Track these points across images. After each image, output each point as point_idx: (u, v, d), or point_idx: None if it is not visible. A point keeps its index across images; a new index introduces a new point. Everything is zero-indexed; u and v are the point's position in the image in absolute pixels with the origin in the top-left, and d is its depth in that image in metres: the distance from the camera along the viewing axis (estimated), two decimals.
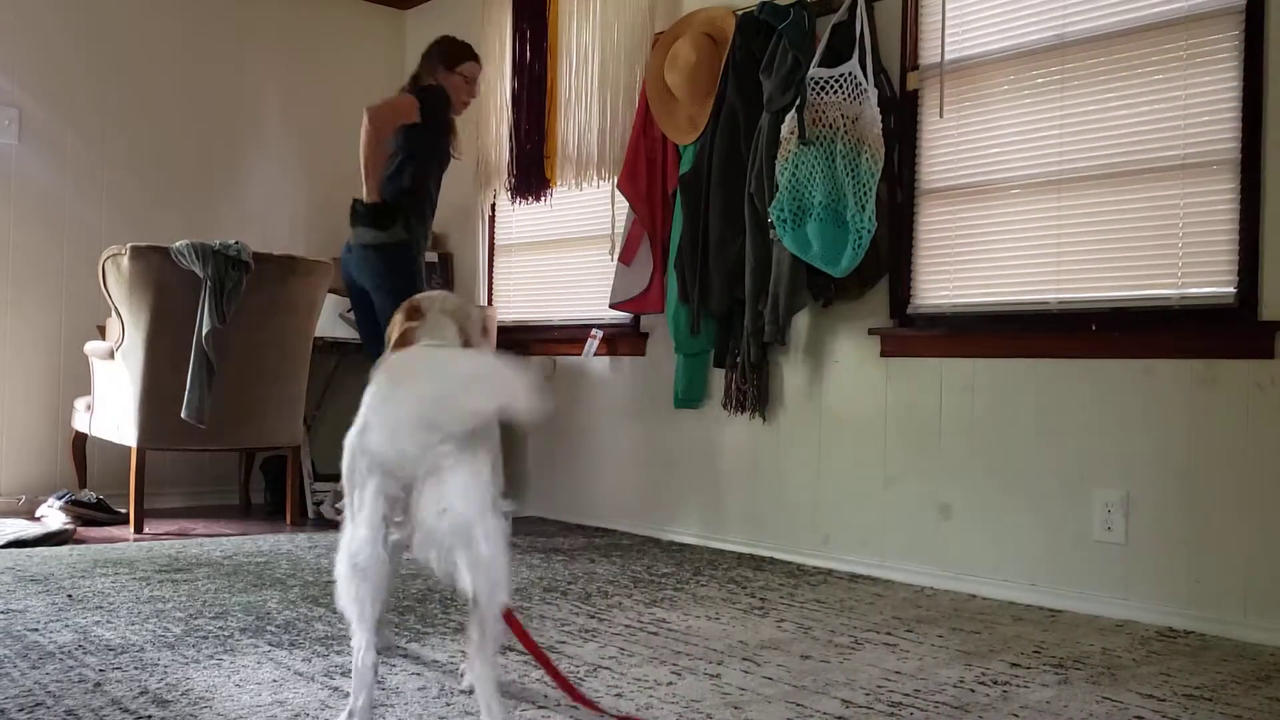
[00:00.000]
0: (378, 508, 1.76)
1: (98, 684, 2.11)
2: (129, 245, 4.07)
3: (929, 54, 3.61)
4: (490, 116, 5.14)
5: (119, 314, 4.14)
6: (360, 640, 1.80)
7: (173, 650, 2.38)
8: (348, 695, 2.05)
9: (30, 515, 4.43)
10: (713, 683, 2.24)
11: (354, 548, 1.77)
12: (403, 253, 3.96)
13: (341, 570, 1.79)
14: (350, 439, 1.82)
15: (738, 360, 3.98)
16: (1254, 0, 2.88)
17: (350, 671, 2.13)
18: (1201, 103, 3.00)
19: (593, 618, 2.83)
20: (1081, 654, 2.59)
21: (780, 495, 3.94)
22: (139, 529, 4.16)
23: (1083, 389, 3.18)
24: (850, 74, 3.50)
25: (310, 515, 4.69)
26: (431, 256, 5.34)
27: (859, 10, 3.58)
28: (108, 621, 2.65)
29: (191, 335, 4.07)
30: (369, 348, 4.01)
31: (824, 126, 3.51)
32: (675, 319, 4.14)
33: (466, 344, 2.13)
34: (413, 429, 1.73)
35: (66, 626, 2.59)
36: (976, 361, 3.43)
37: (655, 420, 4.40)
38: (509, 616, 1.83)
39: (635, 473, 4.48)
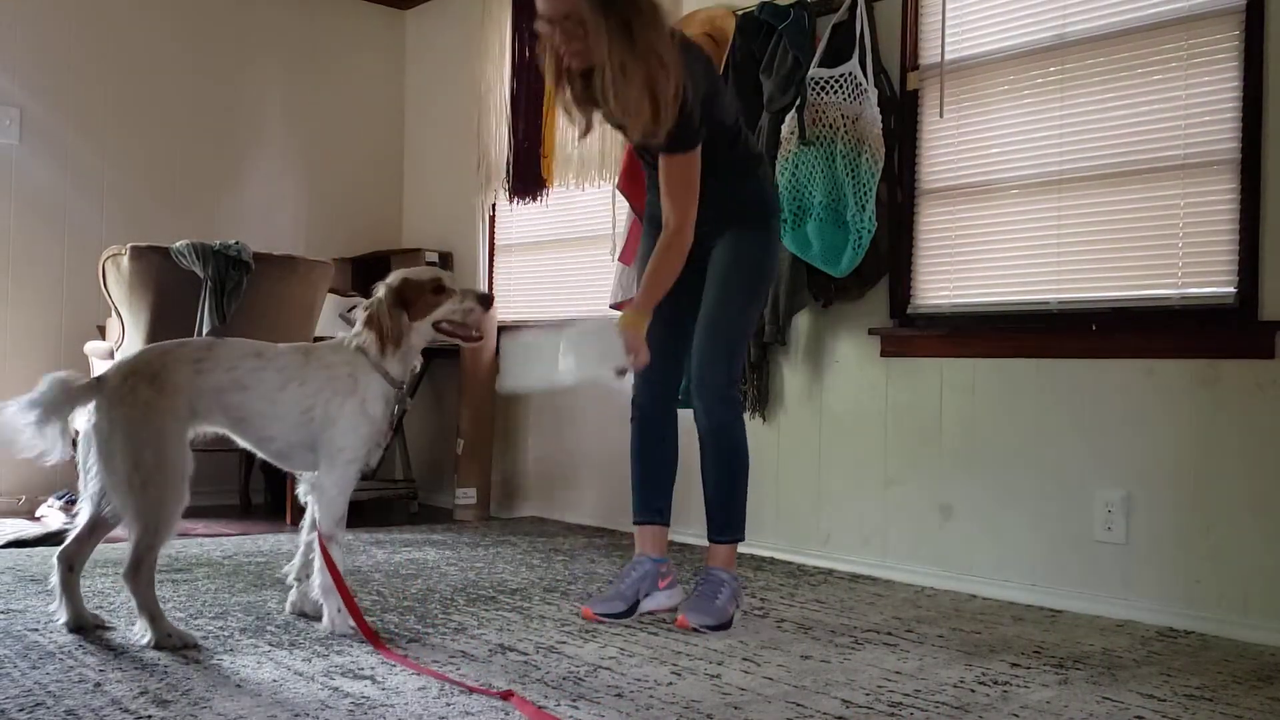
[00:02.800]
0: None
1: (98, 684, 2.11)
2: (129, 245, 4.06)
3: (929, 54, 3.61)
4: (490, 116, 5.13)
5: (119, 314, 4.14)
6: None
7: (173, 650, 2.38)
8: (348, 695, 2.06)
9: (30, 515, 4.43)
10: (713, 683, 2.24)
11: None
12: None
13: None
14: None
15: None
16: (1254, 0, 2.89)
17: (349, 672, 2.17)
18: (1201, 103, 2.99)
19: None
20: (1082, 654, 2.58)
21: (780, 495, 3.93)
22: None
23: (1083, 389, 3.17)
24: (850, 74, 3.50)
25: None
26: (432, 256, 5.33)
27: (859, 10, 3.58)
28: (107, 621, 2.64)
29: (191, 335, 4.07)
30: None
31: (824, 127, 3.51)
32: None
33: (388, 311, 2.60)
34: None
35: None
36: (976, 361, 3.42)
37: None
38: (321, 544, 2.57)
39: None
